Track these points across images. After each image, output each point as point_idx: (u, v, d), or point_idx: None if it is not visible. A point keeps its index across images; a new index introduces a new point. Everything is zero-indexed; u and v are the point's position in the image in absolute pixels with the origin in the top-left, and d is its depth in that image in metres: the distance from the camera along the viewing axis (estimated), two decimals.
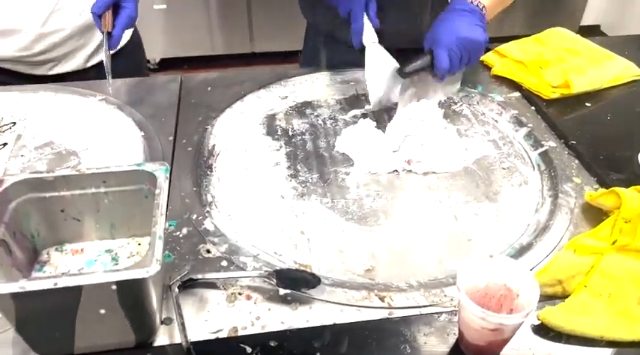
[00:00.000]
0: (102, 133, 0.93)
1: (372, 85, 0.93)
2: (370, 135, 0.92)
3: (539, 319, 0.62)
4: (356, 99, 1.04)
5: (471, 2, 0.91)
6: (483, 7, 0.91)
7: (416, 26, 1.06)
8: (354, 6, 0.91)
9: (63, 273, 0.65)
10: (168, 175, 0.62)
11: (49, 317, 0.55)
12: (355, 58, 0.99)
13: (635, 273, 0.65)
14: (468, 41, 0.87)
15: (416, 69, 0.89)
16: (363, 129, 0.93)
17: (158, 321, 0.61)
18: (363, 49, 0.94)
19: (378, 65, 0.93)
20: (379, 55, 0.93)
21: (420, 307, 0.65)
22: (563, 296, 0.65)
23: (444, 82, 0.93)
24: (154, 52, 2.85)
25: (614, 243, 0.68)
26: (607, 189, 0.77)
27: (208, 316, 0.64)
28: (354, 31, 0.93)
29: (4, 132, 0.93)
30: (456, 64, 0.89)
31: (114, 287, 0.51)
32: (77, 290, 0.51)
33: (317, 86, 1.07)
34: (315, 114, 1.00)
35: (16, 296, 0.50)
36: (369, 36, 0.93)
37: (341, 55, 1.10)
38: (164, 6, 2.66)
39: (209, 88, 1.05)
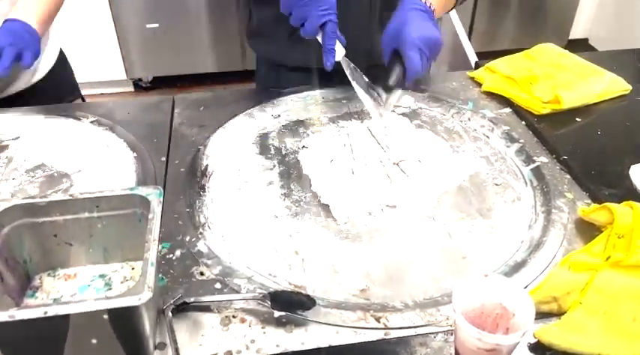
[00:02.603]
0: (94, 155, 0.92)
1: (367, 98, 0.92)
2: (343, 179, 0.88)
3: (535, 337, 0.62)
4: (349, 116, 1.04)
5: (424, 2, 0.89)
6: (434, 7, 0.90)
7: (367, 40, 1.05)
8: (327, 23, 0.85)
9: (54, 300, 0.64)
10: (161, 199, 0.62)
11: (38, 346, 0.54)
12: (306, 82, 1.05)
13: (630, 290, 0.65)
14: (432, 40, 0.85)
15: (399, 78, 0.86)
16: (335, 173, 0.89)
17: (152, 347, 0.60)
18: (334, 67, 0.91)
19: (360, 78, 0.92)
20: (353, 67, 0.92)
21: (415, 327, 0.64)
22: (559, 314, 0.65)
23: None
24: (146, 71, 2.86)
25: (607, 258, 0.69)
26: (599, 204, 0.77)
27: (203, 340, 0.63)
28: (328, 50, 0.88)
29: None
30: (425, 64, 0.86)
31: (105, 315, 0.51)
32: (67, 318, 0.50)
33: (309, 105, 1.08)
34: (308, 132, 1.00)
35: (5, 325, 0.49)
36: (339, 51, 0.90)
37: (291, 81, 1.11)
38: (156, 24, 2.67)
39: (201, 108, 1.05)
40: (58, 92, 1.23)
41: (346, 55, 0.91)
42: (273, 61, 1.16)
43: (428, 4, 0.89)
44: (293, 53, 1.07)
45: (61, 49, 1.28)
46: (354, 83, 0.91)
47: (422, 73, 0.86)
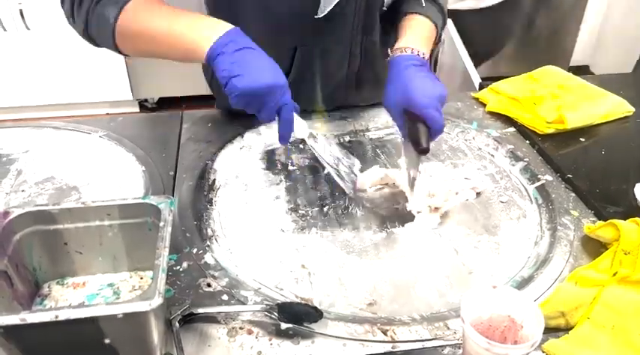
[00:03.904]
0: (103, 168, 0.93)
1: (337, 175, 0.88)
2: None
3: (543, 351, 0.62)
4: (354, 134, 1.06)
5: (416, 53, 0.86)
6: (424, 54, 0.87)
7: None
8: (283, 103, 0.77)
9: (64, 306, 0.64)
10: (172, 208, 0.62)
11: (48, 351, 0.54)
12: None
13: (637, 305, 0.65)
14: (442, 97, 0.82)
15: (428, 138, 0.81)
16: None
17: None
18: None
19: (329, 154, 0.89)
20: (322, 145, 0.88)
21: (423, 340, 0.64)
22: (567, 329, 0.65)
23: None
24: (152, 91, 2.89)
25: (614, 274, 0.69)
26: (605, 221, 0.78)
27: (209, 351, 0.63)
28: (281, 136, 0.81)
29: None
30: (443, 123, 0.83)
31: (114, 321, 0.51)
32: (77, 323, 0.50)
33: (315, 122, 1.09)
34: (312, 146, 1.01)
35: (16, 329, 0.49)
36: (301, 129, 0.84)
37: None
38: None
39: (209, 124, 1.07)
40: None
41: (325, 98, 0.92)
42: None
43: (418, 54, 0.86)
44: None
45: None
46: (323, 161, 0.87)
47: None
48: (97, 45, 0.86)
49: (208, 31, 0.75)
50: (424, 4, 0.95)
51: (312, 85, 1.02)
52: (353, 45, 1.00)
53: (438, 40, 0.99)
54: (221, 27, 0.75)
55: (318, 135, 0.88)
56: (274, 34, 0.90)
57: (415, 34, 0.91)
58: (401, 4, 0.98)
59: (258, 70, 0.73)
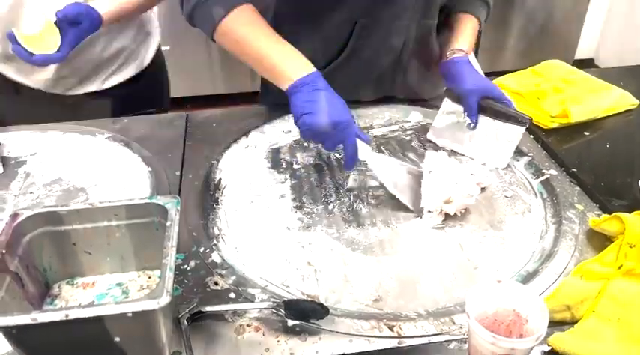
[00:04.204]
0: (110, 170, 0.94)
1: (402, 194, 0.87)
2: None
3: (549, 345, 0.62)
4: None
5: (465, 54, 1.00)
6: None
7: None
8: (346, 137, 0.83)
9: (74, 306, 0.65)
10: (179, 208, 0.63)
11: (58, 350, 0.55)
12: None
13: None
14: (491, 87, 0.98)
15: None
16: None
17: None
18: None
19: (391, 172, 0.88)
20: (383, 162, 0.89)
21: (429, 335, 0.65)
22: (572, 322, 0.65)
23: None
24: None
25: (619, 267, 0.69)
26: (610, 214, 0.78)
27: (218, 348, 0.64)
28: (349, 162, 0.86)
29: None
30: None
31: (123, 319, 0.52)
32: (87, 322, 0.51)
33: None
34: (319, 147, 1.01)
35: (27, 329, 0.50)
36: (363, 151, 0.86)
37: None
38: (167, 47, 2.72)
39: (214, 124, 1.07)
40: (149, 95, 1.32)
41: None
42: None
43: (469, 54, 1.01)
44: None
45: (161, 50, 1.38)
46: (386, 183, 0.88)
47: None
48: (193, 26, 0.94)
49: (294, 69, 0.84)
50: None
51: (363, 63, 1.04)
52: (410, 25, 1.01)
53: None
54: (305, 69, 0.85)
55: (378, 156, 0.90)
56: (334, 5, 0.96)
57: (466, 37, 1.04)
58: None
59: (326, 109, 0.81)
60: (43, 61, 1.00)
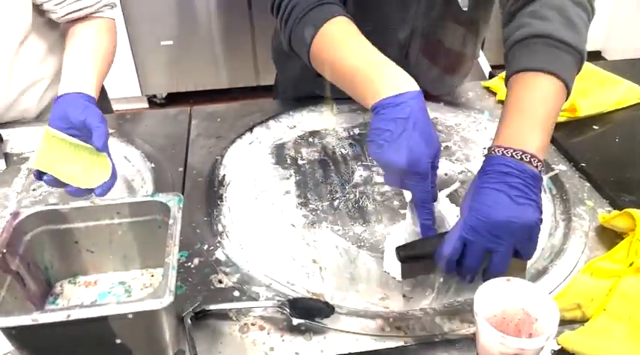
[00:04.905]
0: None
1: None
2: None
3: (559, 344, 0.61)
4: (364, 127, 1.05)
5: (518, 157, 0.62)
6: (537, 161, 0.62)
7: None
8: (425, 196, 0.66)
9: (76, 306, 0.64)
10: (181, 205, 0.62)
11: (61, 350, 0.54)
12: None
13: None
14: (506, 225, 0.59)
15: (409, 256, 0.66)
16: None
17: (171, 354, 0.60)
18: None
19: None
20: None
21: (436, 335, 0.64)
22: (583, 321, 0.64)
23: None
24: (160, 88, 2.90)
25: (631, 265, 0.68)
26: (620, 210, 0.76)
27: (222, 348, 0.63)
28: (424, 225, 0.68)
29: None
30: (474, 256, 0.61)
31: (126, 319, 0.51)
32: (89, 322, 0.51)
33: (324, 116, 1.08)
34: (324, 142, 1.00)
35: (28, 329, 0.50)
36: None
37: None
38: (171, 42, 2.71)
39: (218, 120, 1.06)
40: None
41: None
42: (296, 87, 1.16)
43: (526, 159, 0.62)
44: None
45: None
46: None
47: (461, 269, 0.64)
48: (295, 53, 0.82)
49: (386, 84, 0.65)
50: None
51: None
52: (416, 18, 0.93)
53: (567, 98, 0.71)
54: (401, 85, 0.65)
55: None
56: None
57: (523, 118, 0.65)
58: (513, 37, 0.73)
59: (399, 146, 0.62)
60: (104, 192, 0.75)
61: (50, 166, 0.75)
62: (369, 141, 0.66)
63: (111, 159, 0.76)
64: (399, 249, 0.66)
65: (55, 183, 0.75)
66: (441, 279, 0.70)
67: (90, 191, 0.75)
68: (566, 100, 0.70)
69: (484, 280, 0.58)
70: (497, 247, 0.60)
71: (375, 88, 0.66)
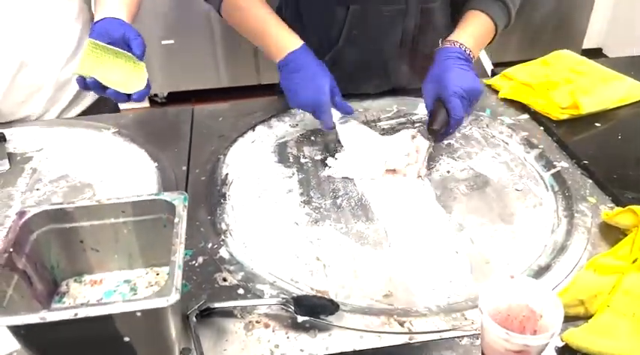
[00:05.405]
0: (116, 165, 0.94)
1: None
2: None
3: (563, 341, 0.61)
4: (365, 124, 1.05)
5: (462, 48, 0.91)
6: (470, 52, 0.93)
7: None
8: (318, 115, 0.94)
9: (82, 304, 0.64)
10: (186, 204, 0.62)
11: (67, 349, 0.54)
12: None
13: None
14: (474, 90, 0.89)
15: (443, 122, 0.88)
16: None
17: (177, 352, 0.60)
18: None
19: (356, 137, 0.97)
20: (352, 129, 0.97)
21: (441, 331, 0.64)
22: (586, 317, 0.64)
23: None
24: (162, 86, 2.89)
25: (634, 261, 0.68)
26: (623, 207, 0.77)
27: (227, 345, 0.63)
28: (325, 127, 0.96)
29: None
30: (468, 110, 0.90)
31: (132, 317, 0.51)
32: (96, 321, 0.51)
33: None
34: (326, 140, 1.01)
35: (36, 327, 0.50)
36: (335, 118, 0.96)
37: None
38: (172, 41, 2.71)
39: (220, 119, 1.07)
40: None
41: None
42: None
43: (464, 49, 0.92)
44: None
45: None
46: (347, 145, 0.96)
47: (463, 119, 0.88)
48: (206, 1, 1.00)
49: (282, 46, 0.93)
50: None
51: (362, 52, 1.04)
52: (409, 12, 1.00)
53: (496, 35, 1.01)
54: (290, 46, 0.93)
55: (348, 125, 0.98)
56: None
57: (468, 31, 0.95)
58: None
59: (297, 91, 0.92)
60: (140, 98, 0.87)
61: (92, 71, 0.84)
62: (285, 92, 0.94)
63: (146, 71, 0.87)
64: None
65: (97, 86, 0.85)
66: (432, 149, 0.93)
67: (128, 96, 0.86)
68: (493, 38, 1.01)
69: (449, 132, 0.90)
70: (469, 105, 0.90)
71: (278, 51, 0.93)
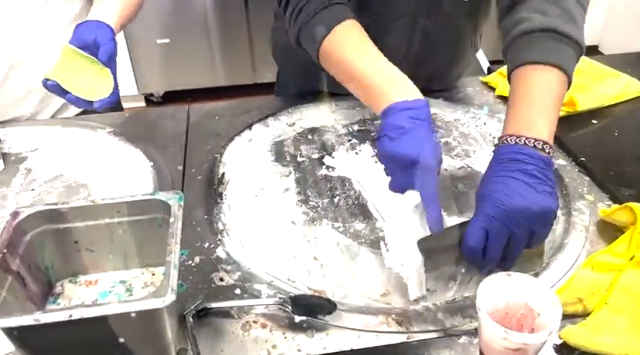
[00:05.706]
0: (111, 165, 0.93)
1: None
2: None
3: (561, 338, 0.61)
4: (363, 123, 1.05)
5: (531, 145, 0.64)
6: (548, 147, 0.65)
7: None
8: (421, 182, 0.67)
9: (77, 305, 0.64)
10: (182, 204, 0.62)
11: (62, 350, 0.54)
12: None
13: None
14: (525, 212, 0.61)
15: (433, 249, 0.66)
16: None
17: (174, 353, 0.59)
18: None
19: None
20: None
21: (438, 330, 0.64)
22: (584, 315, 0.64)
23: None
24: (157, 86, 2.89)
25: (631, 258, 0.68)
26: (620, 204, 0.76)
27: (224, 346, 0.63)
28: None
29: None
30: (497, 245, 0.62)
31: (128, 318, 0.51)
32: (91, 322, 0.50)
33: (323, 113, 1.08)
34: (323, 139, 1.00)
35: (30, 329, 0.49)
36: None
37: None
38: (167, 40, 2.71)
39: (216, 118, 1.06)
40: None
41: None
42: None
43: (531, 145, 0.64)
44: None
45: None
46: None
47: (483, 255, 0.64)
48: (302, 49, 0.85)
49: (398, 90, 0.69)
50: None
51: None
52: (414, 27, 0.95)
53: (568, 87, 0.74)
54: (411, 93, 0.69)
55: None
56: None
57: (531, 107, 0.68)
58: (511, 35, 0.75)
59: (414, 142, 0.65)
60: (102, 106, 0.89)
61: (59, 75, 0.86)
62: (379, 137, 0.68)
63: (116, 79, 0.88)
64: (421, 242, 0.65)
65: (57, 89, 0.86)
66: (463, 270, 0.71)
67: (90, 103, 0.87)
68: (566, 91, 0.74)
69: (501, 267, 0.61)
70: (516, 233, 0.62)
71: (385, 93, 0.70)
